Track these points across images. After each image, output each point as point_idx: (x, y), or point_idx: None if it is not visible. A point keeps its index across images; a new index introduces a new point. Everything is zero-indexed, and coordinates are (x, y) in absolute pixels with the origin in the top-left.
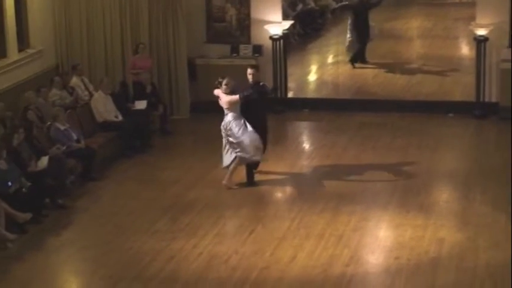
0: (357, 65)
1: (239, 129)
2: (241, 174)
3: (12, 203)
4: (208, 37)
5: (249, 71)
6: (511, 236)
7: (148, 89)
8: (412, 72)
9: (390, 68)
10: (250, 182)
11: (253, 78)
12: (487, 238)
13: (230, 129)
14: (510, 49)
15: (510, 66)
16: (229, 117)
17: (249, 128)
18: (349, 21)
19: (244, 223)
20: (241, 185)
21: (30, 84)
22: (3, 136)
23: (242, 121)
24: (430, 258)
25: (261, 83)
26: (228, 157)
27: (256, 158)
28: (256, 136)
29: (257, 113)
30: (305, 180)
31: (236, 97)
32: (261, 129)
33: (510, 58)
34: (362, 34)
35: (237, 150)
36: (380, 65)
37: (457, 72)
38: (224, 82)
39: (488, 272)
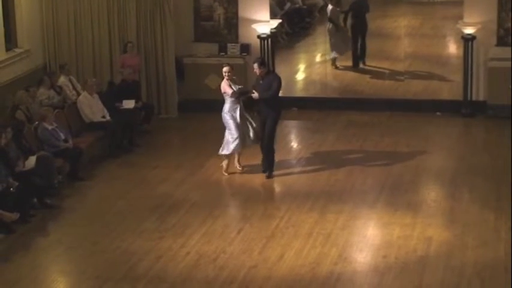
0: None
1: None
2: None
3: (0, 202)
4: (196, 36)
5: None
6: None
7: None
8: (400, 71)
9: (378, 66)
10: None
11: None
12: (474, 236)
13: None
14: (498, 47)
15: (498, 65)
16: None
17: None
18: (329, 26)
19: (232, 222)
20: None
21: (18, 84)
22: None
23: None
24: (417, 257)
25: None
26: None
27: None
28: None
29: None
30: (293, 179)
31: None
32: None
33: (498, 57)
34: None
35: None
36: (368, 64)
37: (445, 71)
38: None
39: (475, 270)
